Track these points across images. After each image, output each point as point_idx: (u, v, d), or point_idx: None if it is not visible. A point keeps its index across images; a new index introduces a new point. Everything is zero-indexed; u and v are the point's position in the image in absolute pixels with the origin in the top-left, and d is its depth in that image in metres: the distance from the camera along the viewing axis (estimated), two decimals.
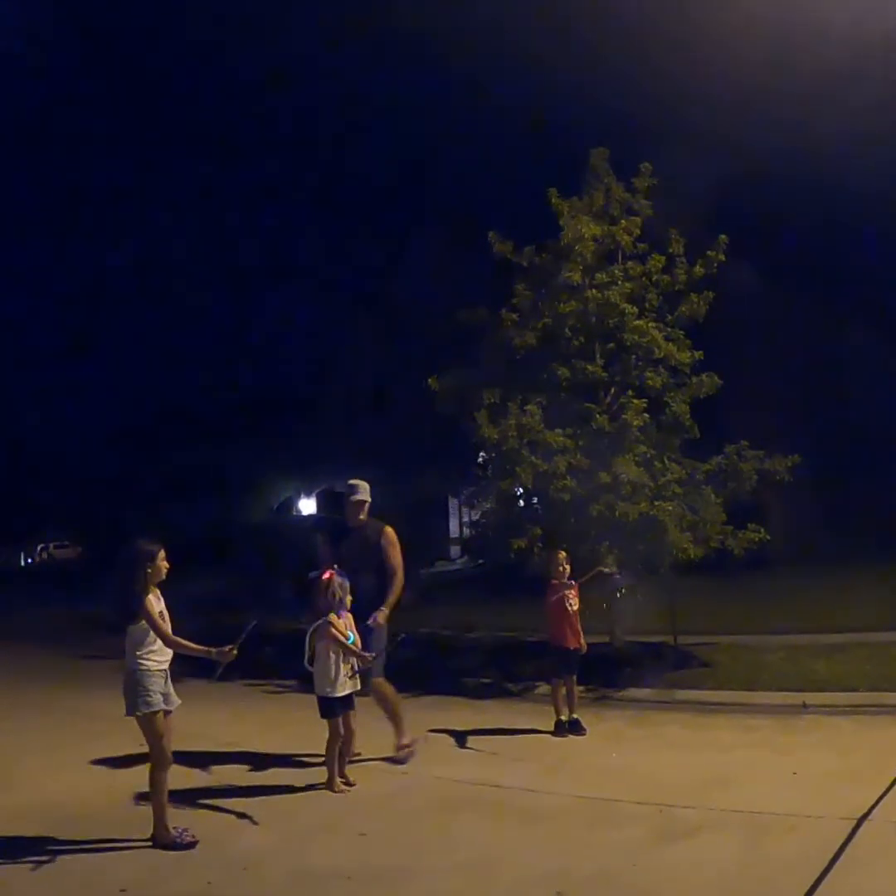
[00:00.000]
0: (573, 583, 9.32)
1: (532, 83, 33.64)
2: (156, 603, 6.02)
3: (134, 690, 5.91)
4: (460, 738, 8.87)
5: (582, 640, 9.28)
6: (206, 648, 6.04)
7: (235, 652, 6.10)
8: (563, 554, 9.44)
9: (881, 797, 6.16)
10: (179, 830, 5.97)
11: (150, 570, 6.02)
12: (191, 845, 5.84)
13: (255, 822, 6.43)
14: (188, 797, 6.82)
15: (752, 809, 6.16)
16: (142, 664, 5.92)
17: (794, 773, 7.05)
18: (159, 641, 5.96)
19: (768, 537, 11.91)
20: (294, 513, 42.08)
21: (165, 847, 5.83)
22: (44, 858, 5.70)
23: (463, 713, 10.24)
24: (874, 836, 5.52)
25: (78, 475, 42.70)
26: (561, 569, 9.26)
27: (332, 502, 35.81)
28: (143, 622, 5.93)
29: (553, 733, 8.95)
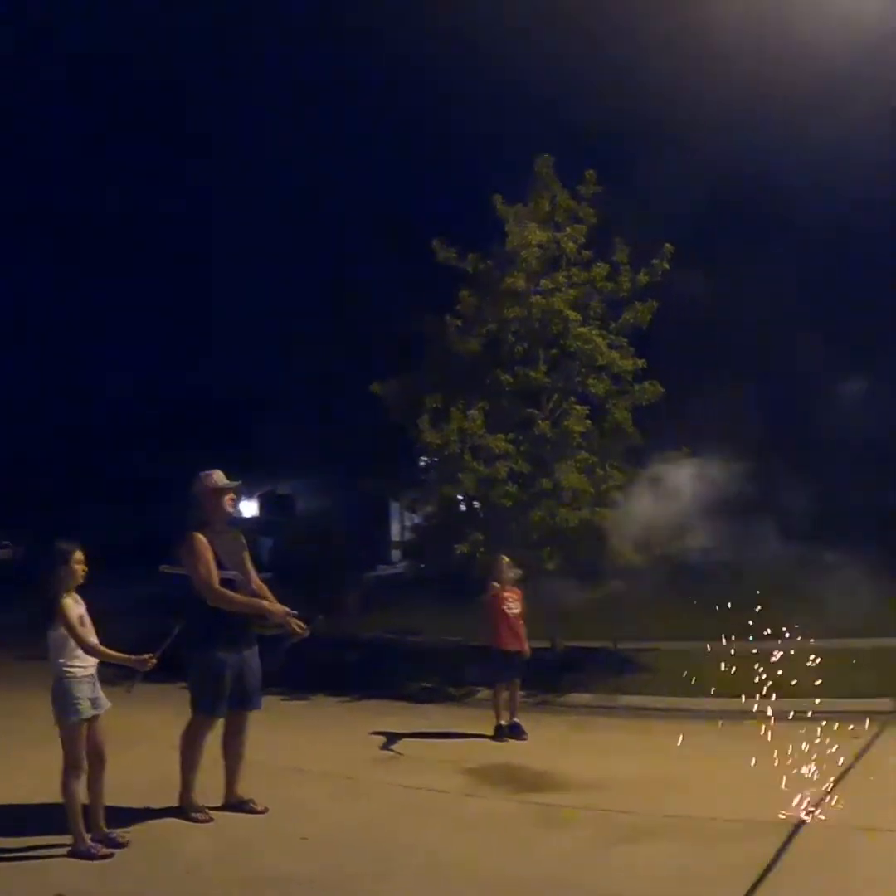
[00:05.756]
0: (514, 587, 9.35)
1: (490, 87, 33.66)
2: (74, 607, 5.80)
3: (63, 699, 5.72)
4: (401, 742, 8.82)
5: (525, 644, 9.29)
6: (126, 656, 5.85)
7: (155, 660, 5.89)
8: (506, 559, 9.47)
9: (821, 801, 6.24)
10: (107, 835, 5.83)
11: (63, 572, 5.78)
12: (106, 856, 5.63)
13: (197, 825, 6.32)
14: (129, 800, 6.68)
15: (694, 814, 6.20)
16: (67, 671, 5.73)
17: (736, 779, 7.10)
18: None
19: (710, 545, 12.00)
20: (236, 515, 41.57)
21: (80, 857, 5.61)
22: None
23: (404, 718, 10.19)
24: (813, 841, 5.59)
25: (20, 474, 41.85)
26: (503, 574, 9.28)
27: (275, 505, 35.59)
28: (63, 627, 5.74)
29: (493, 738, 8.96)
